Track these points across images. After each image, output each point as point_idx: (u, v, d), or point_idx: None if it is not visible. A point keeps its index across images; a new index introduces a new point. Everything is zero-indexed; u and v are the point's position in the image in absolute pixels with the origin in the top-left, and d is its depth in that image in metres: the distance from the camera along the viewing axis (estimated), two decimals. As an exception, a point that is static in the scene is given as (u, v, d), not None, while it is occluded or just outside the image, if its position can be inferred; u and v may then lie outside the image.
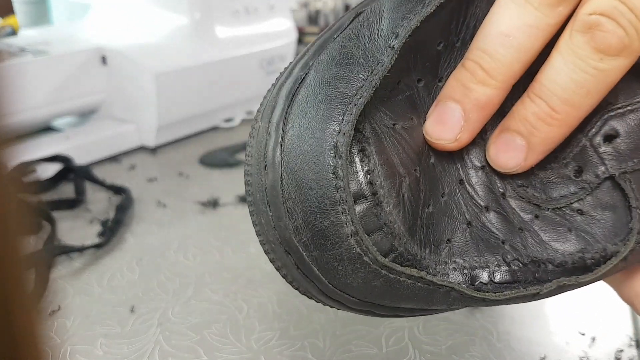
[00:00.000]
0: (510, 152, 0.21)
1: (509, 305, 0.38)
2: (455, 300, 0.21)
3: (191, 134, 0.66)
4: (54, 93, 0.57)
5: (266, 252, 0.21)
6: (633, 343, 0.35)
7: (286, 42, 0.75)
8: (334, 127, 0.19)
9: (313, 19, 0.97)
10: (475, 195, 0.23)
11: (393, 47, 0.20)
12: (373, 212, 0.19)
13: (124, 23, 0.67)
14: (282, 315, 0.37)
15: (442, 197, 0.22)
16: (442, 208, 0.22)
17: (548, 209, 0.23)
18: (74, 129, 0.61)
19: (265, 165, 0.19)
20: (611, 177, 0.22)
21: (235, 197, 0.51)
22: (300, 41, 0.93)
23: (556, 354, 0.34)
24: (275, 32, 0.74)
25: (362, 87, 0.19)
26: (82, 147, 0.57)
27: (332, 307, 0.22)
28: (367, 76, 0.19)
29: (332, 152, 0.18)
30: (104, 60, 0.60)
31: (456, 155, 0.23)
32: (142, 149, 0.62)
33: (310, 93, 0.19)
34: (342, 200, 0.18)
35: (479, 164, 0.23)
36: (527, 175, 0.23)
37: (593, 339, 0.36)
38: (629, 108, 0.22)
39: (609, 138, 0.22)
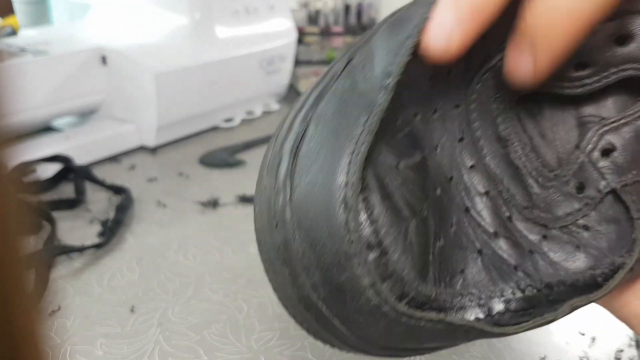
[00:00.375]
0: (519, 56, 0.20)
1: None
2: (476, 335, 0.20)
3: (191, 134, 0.66)
4: (54, 93, 0.57)
5: (286, 308, 0.21)
6: (633, 343, 0.35)
7: (286, 42, 0.75)
8: (340, 180, 0.18)
9: (313, 19, 0.97)
10: (482, 222, 0.23)
11: (387, 87, 0.19)
12: (381, 262, 0.19)
13: (124, 23, 0.67)
14: (282, 315, 0.37)
15: (451, 227, 0.22)
16: (452, 239, 0.22)
17: (555, 228, 0.23)
18: (74, 129, 0.61)
19: (277, 224, 0.19)
20: (613, 191, 0.22)
21: (235, 197, 0.51)
22: (300, 41, 0.93)
23: (556, 354, 0.34)
24: (275, 32, 0.74)
25: (362, 132, 0.19)
26: (82, 147, 0.57)
27: (357, 354, 0.22)
28: (366, 121, 0.19)
29: (341, 205, 0.18)
30: (104, 60, 0.60)
31: (460, 184, 0.23)
32: (142, 149, 0.62)
33: (312, 147, 0.19)
34: (357, 253, 0.18)
35: (482, 190, 0.23)
36: (530, 196, 0.23)
37: (593, 339, 0.36)
38: (622, 121, 0.22)
39: (607, 152, 0.23)
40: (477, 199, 0.23)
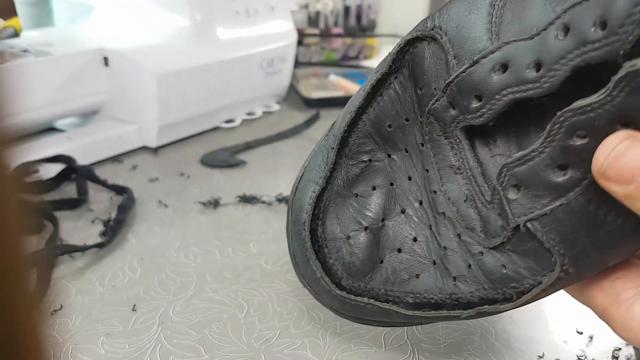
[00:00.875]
0: None
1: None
2: (402, 318, 0.29)
3: (192, 135, 0.66)
4: (56, 94, 0.57)
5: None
6: (631, 342, 0.36)
7: (286, 44, 0.75)
8: (305, 209, 0.30)
9: (313, 20, 0.97)
10: (438, 238, 0.29)
11: (333, 149, 0.30)
12: (326, 265, 0.30)
13: (126, 24, 0.67)
14: (282, 314, 0.37)
15: (415, 241, 0.29)
16: (412, 250, 0.29)
17: (488, 247, 0.26)
18: (76, 130, 0.61)
19: (288, 229, 0.31)
20: (518, 226, 0.25)
21: (236, 197, 0.52)
22: (300, 42, 0.93)
23: (554, 352, 0.35)
24: (275, 34, 0.74)
25: (320, 177, 0.30)
26: (84, 148, 0.57)
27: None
28: (324, 169, 0.30)
29: (303, 226, 0.30)
30: (105, 61, 0.60)
31: (426, 206, 0.29)
32: (143, 149, 0.63)
33: (302, 183, 0.31)
34: (312, 258, 0.29)
35: (440, 211, 0.29)
36: (470, 218, 0.27)
37: (591, 338, 0.36)
38: (526, 158, 0.24)
39: (517, 187, 0.24)
40: (438, 219, 0.29)
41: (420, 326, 0.36)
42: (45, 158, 0.54)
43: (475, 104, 0.26)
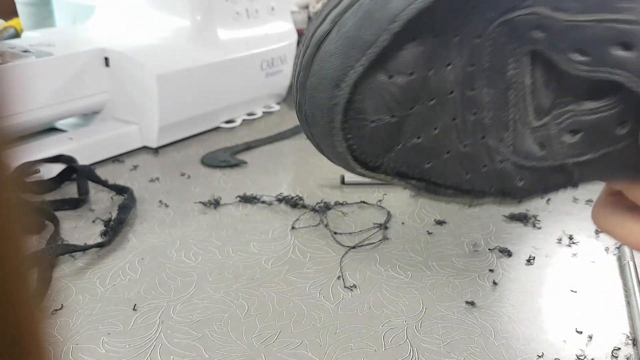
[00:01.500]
0: None
1: (507, 305, 0.38)
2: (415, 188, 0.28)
3: (193, 135, 0.67)
4: (57, 94, 0.57)
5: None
6: (630, 341, 0.36)
7: (286, 44, 0.76)
8: (345, 81, 0.25)
9: (314, 20, 0.97)
10: (461, 133, 0.27)
11: (390, 31, 0.25)
12: (346, 142, 0.27)
13: (127, 25, 0.67)
14: (282, 314, 0.37)
15: (435, 130, 0.27)
16: (431, 139, 0.27)
17: (510, 161, 0.27)
18: (77, 130, 0.61)
19: (297, 91, 0.27)
20: (562, 165, 0.26)
21: (236, 197, 0.52)
22: (300, 43, 0.94)
23: (554, 352, 0.35)
24: (275, 34, 0.75)
25: (362, 57, 0.25)
26: (85, 148, 0.57)
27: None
28: (368, 49, 0.25)
29: (336, 99, 0.25)
30: (106, 61, 0.61)
31: (456, 99, 0.27)
32: (144, 149, 0.63)
33: (330, 48, 0.26)
34: (336, 135, 0.26)
35: (471, 111, 0.27)
36: (507, 128, 0.27)
37: (590, 337, 0.36)
38: (599, 109, 0.25)
39: (575, 132, 0.25)
40: (466, 114, 0.27)
41: (420, 325, 0.36)
42: (46, 158, 0.54)
43: (575, 56, 0.24)
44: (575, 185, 0.27)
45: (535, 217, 0.49)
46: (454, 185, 0.28)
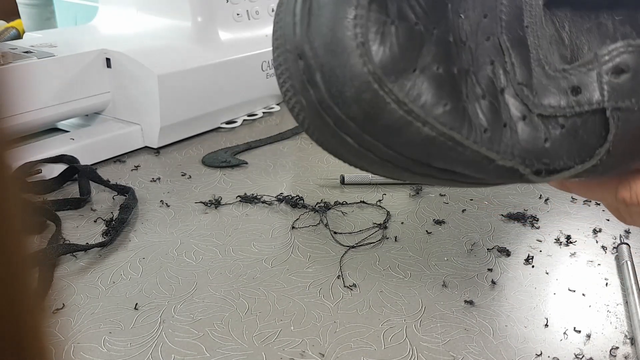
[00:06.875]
0: None
1: (505, 305, 0.39)
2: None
3: (194, 135, 0.67)
4: (59, 95, 0.58)
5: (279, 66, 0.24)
6: (628, 340, 0.36)
7: (288, 44, 0.76)
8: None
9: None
10: (476, 85, 0.25)
11: None
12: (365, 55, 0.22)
13: (128, 26, 0.68)
14: (283, 313, 0.37)
15: (453, 69, 0.24)
16: (443, 78, 0.24)
17: (535, 113, 0.24)
18: (79, 130, 0.61)
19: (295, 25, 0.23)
20: (603, 109, 0.24)
21: (236, 197, 0.52)
22: None
23: (552, 350, 0.35)
24: (277, 34, 0.75)
25: None
26: (87, 148, 0.58)
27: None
28: None
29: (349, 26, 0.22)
30: (108, 62, 0.61)
31: (471, 48, 0.25)
32: (145, 149, 0.63)
33: None
34: (361, 44, 0.22)
35: (488, 59, 0.25)
36: (530, 75, 0.25)
37: (588, 336, 0.36)
38: None
39: (618, 71, 0.23)
40: (482, 64, 0.25)
41: (419, 324, 0.37)
42: (48, 158, 0.54)
43: None
44: (608, 151, 0.24)
45: (533, 216, 0.49)
46: (472, 143, 0.24)
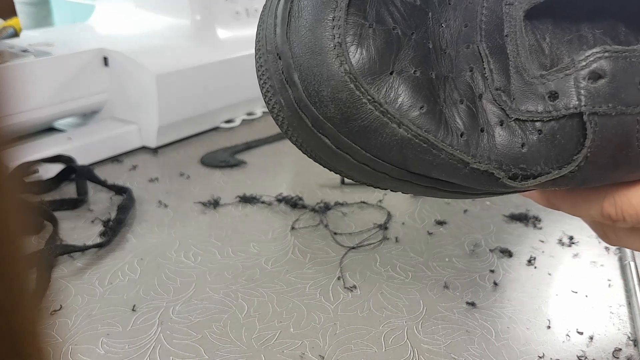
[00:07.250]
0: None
1: (507, 306, 0.38)
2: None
3: (192, 135, 0.66)
4: (56, 94, 0.57)
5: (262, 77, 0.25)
6: (631, 342, 0.36)
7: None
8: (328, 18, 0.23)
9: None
10: (455, 90, 0.25)
11: None
12: (341, 57, 0.23)
13: (126, 25, 0.67)
14: (282, 314, 0.37)
15: (431, 74, 0.25)
16: (420, 81, 0.24)
17: (512, 118, 0.24)
18: (76, 130, 0.61)
19: (275, 40, 0.24)
20: (580, 114, 0.24)
21: (235, 198, 0.52)
22: None
23: (554, 352, 0.35)
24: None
25: None
26: (84, 148, 0.57)
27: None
28: None
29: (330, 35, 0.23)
30: (105, 61, 0.60)
31: (450, 56, 0.25)
32: (143, 149, 0.63)
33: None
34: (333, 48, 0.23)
35: (467, 66, 0.25)
36: (508, 82, 0.25)
37: (591, 338, 0.36)
38: (625, 54, 0.23)
39: (595, 77, 0.24)
40: (461, 70, 0.25)
41: (420, 326, 0.36)
42: (45, 158, 0.54)
43: None
44: (586, 155, 0.23)
45: (535, 217, 0.49)
46: (447, 146, 0.24)
